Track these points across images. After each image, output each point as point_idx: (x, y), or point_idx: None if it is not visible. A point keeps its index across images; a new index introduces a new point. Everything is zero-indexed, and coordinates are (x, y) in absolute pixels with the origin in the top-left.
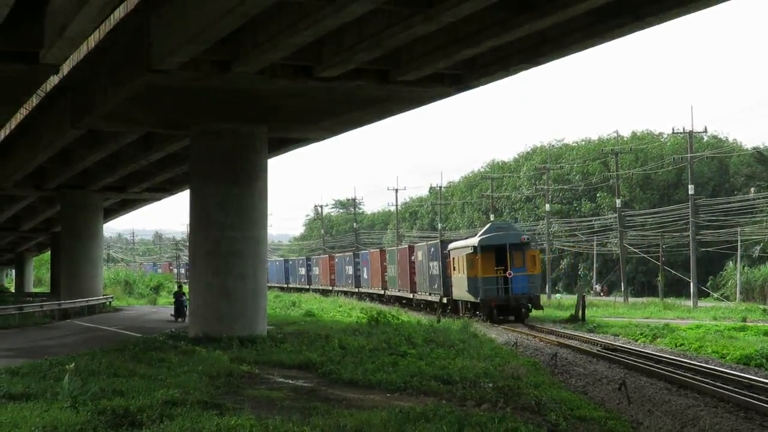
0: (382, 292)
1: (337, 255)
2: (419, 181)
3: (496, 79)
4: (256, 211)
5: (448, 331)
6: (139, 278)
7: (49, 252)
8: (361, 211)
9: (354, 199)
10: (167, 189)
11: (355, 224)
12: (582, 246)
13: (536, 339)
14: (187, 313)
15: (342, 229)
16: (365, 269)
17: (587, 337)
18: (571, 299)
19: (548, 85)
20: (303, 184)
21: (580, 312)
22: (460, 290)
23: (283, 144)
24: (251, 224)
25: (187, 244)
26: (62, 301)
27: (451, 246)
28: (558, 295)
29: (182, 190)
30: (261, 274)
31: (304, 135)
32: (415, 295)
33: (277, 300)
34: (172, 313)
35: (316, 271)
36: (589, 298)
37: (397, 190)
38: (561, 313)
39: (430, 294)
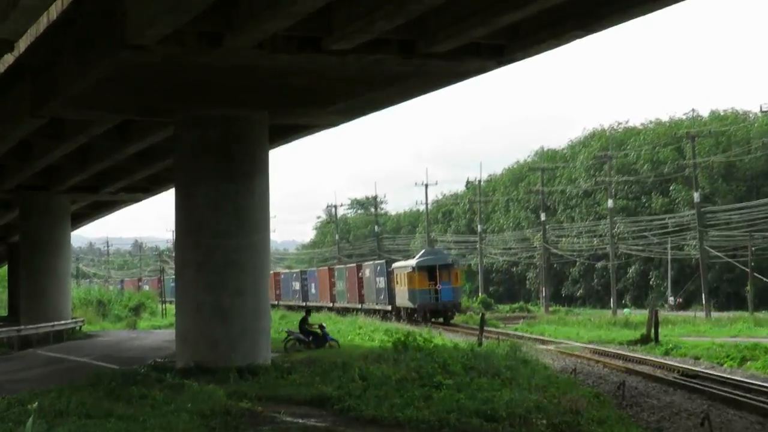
0: (330, 304)
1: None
2: (453, 174)
3: (545, 50)
4: (255, 213)
5: (492, 357)
6: (115, 297)
7: (6, 267)
8: (383, 211)
9: (375, 198)
10: (148, 189)
11: (376, 227)
12: (653, 250)
13: (599, 365)
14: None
15: (361, 234)
16: (313, 285)
17: (661, 361)
18: (641, 315)
19: (606, 56)
20: (312, 181)
21: (653, 331)
22: (402, 299)
23: (287, 132)
24: (250, 229)
25: (173, 254)
26: (22, 327)
27: (394, 265)
28: (626, 311)
29: (166, 190)
30: (263, 290)
31: (312, 121)
32: (363, 305)
33: (284, 321)
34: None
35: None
36: (663, 314)
37: (427, 186)
38: (628, 332)
39: (377, 303)
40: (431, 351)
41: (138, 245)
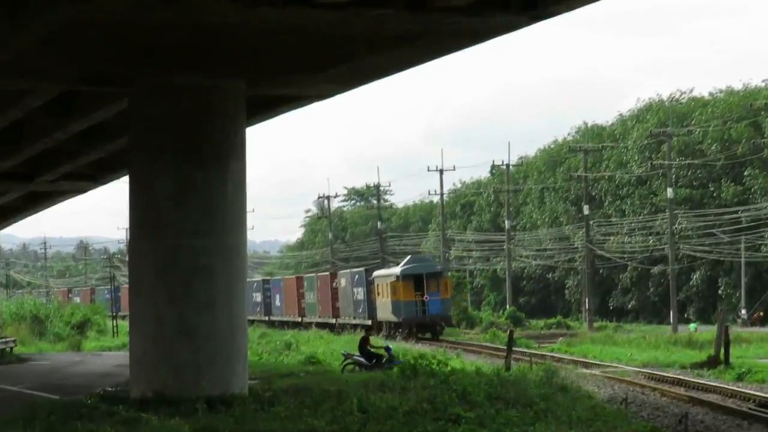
0: (299, 319)
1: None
2: (474, 156)
3: (589, 2)
4: (229, 207)
5: (522, 383)
6: (54, 312)
7: None
8: (388, 203)
9: (377, 187)
10: (96, 177)
11: (379, 224)
12: (723, 251)
13: (656, 393)
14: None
15: (361, 232)
16: (277, 296)
17: (733, 388)
18: (707, 332)
19: (664, 9)
20: (300, 167)
21: (722, 351)
22: (385, 312)
23: (268, 106)
24: (224, 227)
25: (127, 258)
26: None
27: (375, 274)
28: (691, 326)
29: (118, 178)
30: (238, 302)
31: (299, 92)
32: (338, 319)
33: (263, 340)
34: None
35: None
36: (735, 330)
37: (441, 172)
38: (692, 353)
39: (354, 317)
40: (447, 376)
41: (83, 247)
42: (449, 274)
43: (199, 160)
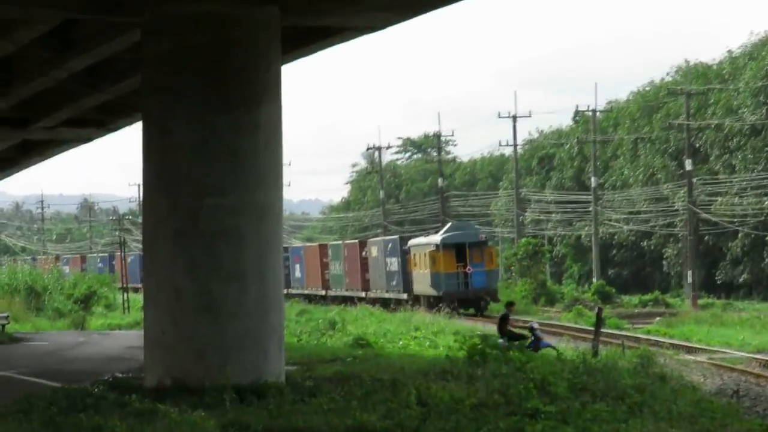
0: (322, 292)
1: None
2: (555, 101)
3: None
4: (262, 158)
5: (613, 372)
6: (54, 283)
7: None
8: (451, 156)
9: (438, 137)
10: (102, 122)
11: (440, 181)
12: None
13: None
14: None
15: (418, 190)
16: (297, 267)
17: None
18: None
19: None
20: (346, 112)
21: None
22: (422, 285)
23: (307, 39)
24: (254, 182)
25: (140, 219)
26: None
27: (411, 243)
28: None
29: (129, 124)
30: (273, 272)
31: (345, 21)
32: (368, 292)
33: (302, 318)
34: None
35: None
36: None
37: (515, 119)
38: None
39: (387, 291)
40: (523, 364)
41: (87, 206)
42: (523, 240)
43: (224, 102)
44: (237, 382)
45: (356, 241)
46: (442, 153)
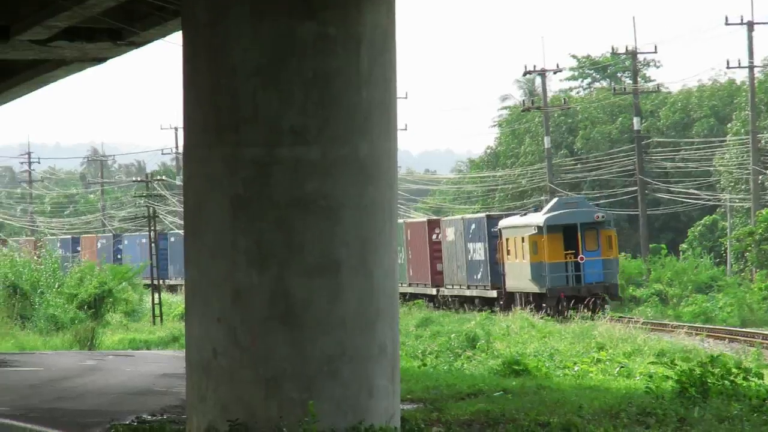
0: None
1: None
2: None
3: None
4: (364, 91)
5: None
6: (48, 278)
7: None
8: (652, 83)
9: (633, 54)
10: (119, 33)
11: (636, 121)
12: None
13: None
14: None
15: (603, 135)
16: None
17: None
18: None
19: None
20: (486, 17)
21: None
22: (519, 279)
23: None
24: (352, 125)
25: (181, 179)
26: None
27: (503, 223)
28: None
29: (161, 36)
30: (382, 262)
31: None
32: (441, 289)
33: (425, 331)
34: None
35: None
36: None
37: (751, 26)
38: None
39: (468, 287)
40: (764, 401)
41: (97, 161)
42: (765, 211)
43: (306, 4)
44: (328, 427)
45: (424, 219)
46: (639, 79)
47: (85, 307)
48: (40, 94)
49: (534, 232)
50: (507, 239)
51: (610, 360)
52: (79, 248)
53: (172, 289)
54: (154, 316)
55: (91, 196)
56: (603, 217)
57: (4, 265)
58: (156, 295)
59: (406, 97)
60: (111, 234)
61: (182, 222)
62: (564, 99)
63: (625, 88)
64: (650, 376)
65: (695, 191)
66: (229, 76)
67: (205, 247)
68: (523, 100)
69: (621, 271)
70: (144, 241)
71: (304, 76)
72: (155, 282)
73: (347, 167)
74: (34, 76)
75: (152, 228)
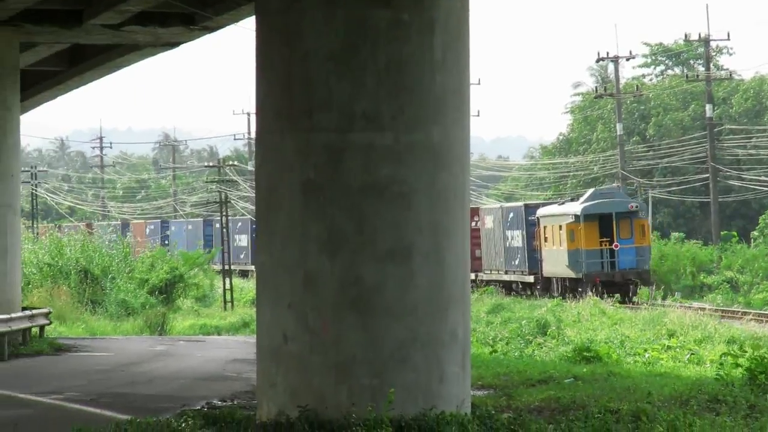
0: None
1: None
2: None
3: None
4: (438, 77)
5: None
6: (119, 263)
7: None
8: (725, 71)
9: (706, 41)
10: (191, 18)
11: (708, 108)
12: None
13: None
14: None
15: (675, 122)
16: None
17: None
18: None
19: None
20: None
21: None
22: (556, 265)
23: None
24: (426, 111)
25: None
26: None
27: (540, 212)
28: None
29: (234, 21)
30: (454, 248)
31: None
32: (480, 274)
33: (496, 318)
34: None
35: None
36: None
37: None
38: None
39: (506, 272)
40: None
41: (171, 145)
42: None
43: None
44: (398, 413)
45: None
46: (712, 66)
47: (156, 292)
48: (112, 78)
49: (571, 220)
50: (545, 227)
51: (681, 347)
52: (129, 233)
53: (244, 274)
54: (225, 301)
55: (163, 181)
56: (637, 207)
57: (75, 250)
58: (227, 281)
59: (478, 83)
60: (159, 220)
61: (254, 207)
62: (637, 86)
63: (697, 75)
64: (721, 364)
65: (767, 178)
66: (302, 62)
67: (277, 233)
68: (596, 87)
69: (692, 258)
70: (190, 227)
71: (378, 62)
72: (227, 267)
73: (420, 153)
74: (107, 60)
75: (224, 213)
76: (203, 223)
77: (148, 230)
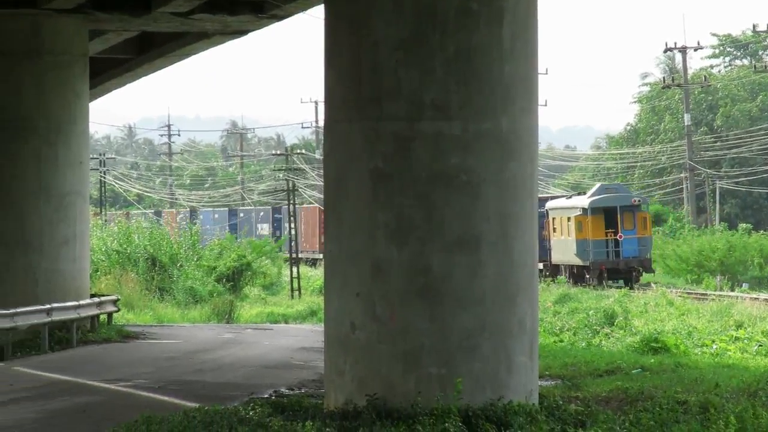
0: None
1: None
2: None
3: None
4: (506, 66)
5: None
6: (187, 251)
7: None
8: None
9: None
10: (261, 6)
11: None
12: None
13: None
14: None
15: (744, 113)
16: None
17: None
18: None
19: None
20: None
21: None
22: (564, 254)
23: None
24: (494, 100)
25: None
26: None
27: (550, 205)
28: None
29: (303, 10)
30: (522, 238)
31: None
32: None
33: (563, 308)
34: None
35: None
36: None
37: None
38: None
39: None
40: None
41: (238, 133)
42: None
43: None
44: (466, 403)
45: None
46: None
47: (224, 280)
48: (180, 66)
49: (579, 213)
50: (553, 219)
51: (749, 338)
52: (161, 221)
53: (312, 262)
54: (292, 289)
55: (231, 169)
56: (639, 201)
57: (143, 237)
58: (294, 269)
59: (546, 73)
60: (188, 209)
61: (321, 196)
62: (704, 76)
63: (765, 66)
64: None
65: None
66: (370, 51)
67: (345, 221)
68: (663, 77)
69: (759, 249)
70: (217, 216)
71: (446, 50)
72: (294, 256)
73: (489, 142)
74: (176, 48)
75: (292, 202)
76: (228, 212)
77: (178, 218)
